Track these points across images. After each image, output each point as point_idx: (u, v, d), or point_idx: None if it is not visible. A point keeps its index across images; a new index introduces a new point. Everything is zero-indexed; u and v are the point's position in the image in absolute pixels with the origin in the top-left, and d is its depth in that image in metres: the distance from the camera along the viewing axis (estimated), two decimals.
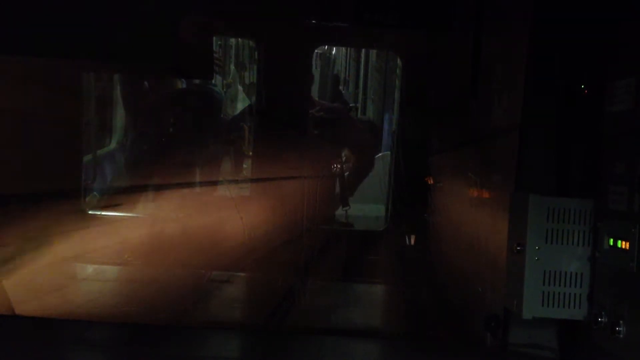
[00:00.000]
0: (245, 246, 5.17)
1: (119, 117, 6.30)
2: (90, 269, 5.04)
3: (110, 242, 5.19)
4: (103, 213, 5.49)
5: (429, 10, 4.58)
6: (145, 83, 5.96)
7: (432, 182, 5.51)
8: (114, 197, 5.70)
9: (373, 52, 7.87)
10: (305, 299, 4.90)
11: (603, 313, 2.66)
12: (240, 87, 6.88)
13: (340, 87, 7.97)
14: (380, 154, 6.80)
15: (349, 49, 8.14)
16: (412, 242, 5.58)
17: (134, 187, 5.68)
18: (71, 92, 5.21)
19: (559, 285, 2.87)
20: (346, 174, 6.45)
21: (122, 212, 5.53)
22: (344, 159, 6.41)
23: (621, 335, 2.51)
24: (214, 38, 5.70)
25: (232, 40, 7.11)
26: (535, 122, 3.21)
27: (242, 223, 5.26)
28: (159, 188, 5.55)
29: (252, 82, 6.38)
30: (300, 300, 4.87)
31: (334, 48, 7.78)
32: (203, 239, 5.15)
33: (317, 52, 7.00)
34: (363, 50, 8.14)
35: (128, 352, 3.24)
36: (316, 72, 7.15)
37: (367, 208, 6.65)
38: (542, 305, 2.88)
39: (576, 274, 2.87)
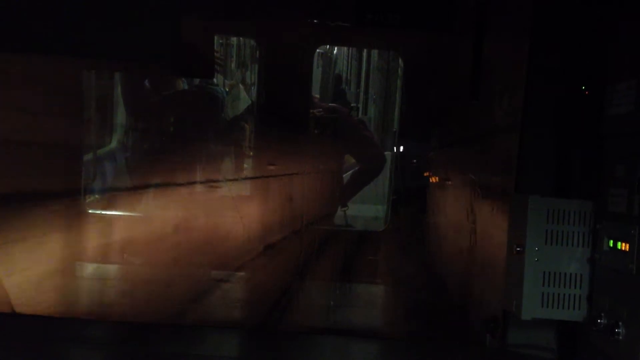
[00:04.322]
0: (238, 244, 5.19)
1: (120, 115, 6.31)
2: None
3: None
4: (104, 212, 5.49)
5: (431, 11, 4.58)
6: (146, 82, 5.96)
7: (431, 179, 5.52)
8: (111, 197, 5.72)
9: (374, 52, 7.86)
10: (300, 299, 4.91)
11: (602, 315, 2.66)
12: (241, 87, 6.88)
13: (343, 87, 7.97)
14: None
15: (350, 49, 8.13)
16: (411, 243, 5.57)
17: (133, 187, 5.68)
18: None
19: (558, 286, 2.87)
20: (345, 174, 6.44)
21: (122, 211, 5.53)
22: (343, 159, 6.41)
23: (620, 337, 2.51)
24: (215, 37, 5.69)
25: (234, 40, 7.11)
26: (535, 123, 3.21)
27: (241, 222, 5.27)
28: (158, 187, 5.55)
29: (253, 81, 6.38)
30: (294, 300, 4.89)
31: (336, 48, 7.78)
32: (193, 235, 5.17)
33: (318, 52, 7.00)
34: (365, 50, 8.13)
35: (126, 351, 3.24)
36: (317, 72, 7.15)
37: (366, 208, 6.64)
38: (541, 307, 2.88)
39: (575, 275, 2.87)
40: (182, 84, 6.20)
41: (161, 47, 3.63)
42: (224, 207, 5.47)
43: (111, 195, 5.72)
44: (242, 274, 5.17)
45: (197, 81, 6.11)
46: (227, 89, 6.63)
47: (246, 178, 5.79)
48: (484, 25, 3.80)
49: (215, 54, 5.65)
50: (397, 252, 5.59)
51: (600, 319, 2.65)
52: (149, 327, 3.66)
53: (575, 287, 2.86)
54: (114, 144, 6.37)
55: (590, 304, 2.83)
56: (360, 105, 8.26)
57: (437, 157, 5.51)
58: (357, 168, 6.54)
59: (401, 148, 5.91)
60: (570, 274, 2.87)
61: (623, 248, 2.54)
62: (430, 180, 5.60)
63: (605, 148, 2.77)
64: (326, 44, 7.09)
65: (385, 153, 6.58)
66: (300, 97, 5.51)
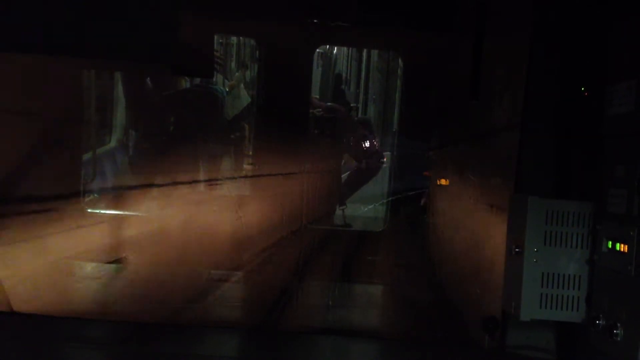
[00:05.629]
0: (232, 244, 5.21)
1: (119, 115, 6.31)
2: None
3: None
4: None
5: (431, 11, 4.58)
6: (148, 82, 5.96)
7: (430, 177, 5.52)
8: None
9: (374, 52, 7.86)
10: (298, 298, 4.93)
11: (601, 316, 2.65)
12: (242, 87, 6.88)
13: (343, 87, 7.97)
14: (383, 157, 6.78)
15: (350, 49, 8.13)
16: (411, 243, 5.57)
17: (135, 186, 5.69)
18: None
19: (557, 287, 2.87)
20: (344, 175, 6.46)
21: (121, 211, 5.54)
22: (342, 158, 6.42)
23: (619, 338, 2.51)
24: (215, 37, 5.69)
25: (234, 39, 7.11)
26: (535, 123, 3.21)
27: (240, 222, 5.28)
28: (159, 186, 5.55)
29: (254, 81, 6.39)
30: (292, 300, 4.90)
31: (336, 48, 7.78)
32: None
33: (318, 52, 7.00)
34: (365, 50, 8.13)
35: (125, 350, 3.24)
36: (317, 72, 7.15)
37: (365, 208, 6.65)
38: (540, 308, 2.88)
39: (574, 276, 2.87)
40: (185, 84, 6.21)
41: (161, 47, 3.63)
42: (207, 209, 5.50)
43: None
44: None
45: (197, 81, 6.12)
46: (227, 89, 6.63)
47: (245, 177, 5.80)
48: (484, 25, 3.80)
49: (215, 53, 5.65)
50: (395, 252, 5.59)
51: (599, 320, 2.65)
52: (149, 327, 3.66)
53: (574, 289, 2.86)
54: (113, 143, 6.39)
55: (589, 305, 2.83)
56: (359, 105, 8.25)
57: (437, 158, 5.51)
58: (355, 167, 6.55)
59: (401, 148, 5.92)
60: (569, 275, 2.86)
61: (622, 249, 2.54)
62: (429, 180, 5.60)
63: (605, 148, 2.76)
64: (326, 44, 7.09)
65: (385, 153, 6.59)
66: (300, 97, 5.51)
